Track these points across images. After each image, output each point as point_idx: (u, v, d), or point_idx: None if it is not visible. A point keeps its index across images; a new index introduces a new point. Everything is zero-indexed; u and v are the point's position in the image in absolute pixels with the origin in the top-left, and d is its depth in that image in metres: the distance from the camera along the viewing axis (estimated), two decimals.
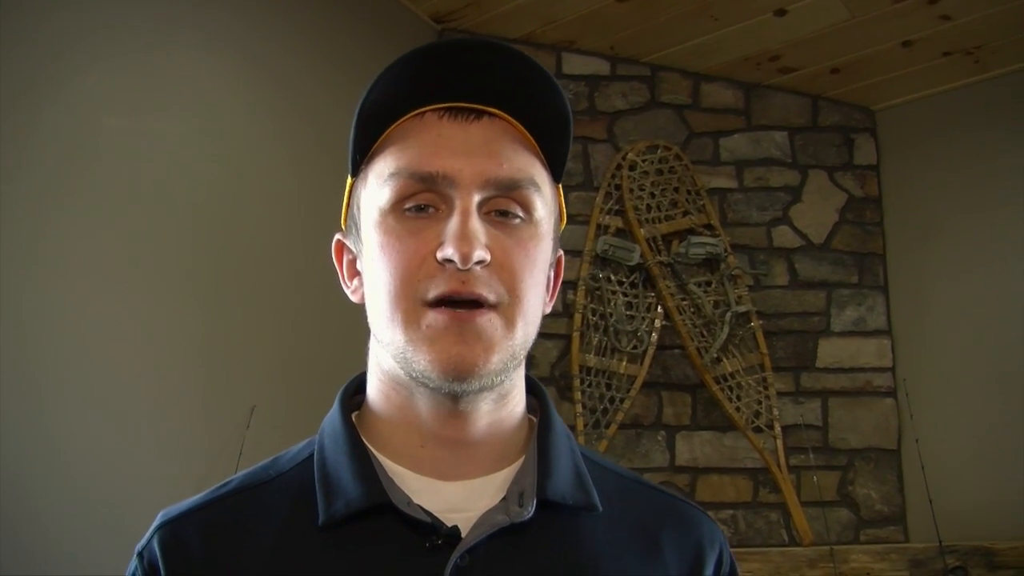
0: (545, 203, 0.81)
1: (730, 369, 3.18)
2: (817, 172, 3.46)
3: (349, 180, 0.86)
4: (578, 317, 3.10)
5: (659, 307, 3.19)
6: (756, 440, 3.12)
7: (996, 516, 3.01)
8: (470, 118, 0.79)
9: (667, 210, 3.28)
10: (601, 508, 0.83)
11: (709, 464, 3.19)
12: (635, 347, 3.14)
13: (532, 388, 0.90)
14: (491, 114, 0.80)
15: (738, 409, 3.14)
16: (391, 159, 0.79)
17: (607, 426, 3.05)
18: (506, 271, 0.77)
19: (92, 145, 2.08)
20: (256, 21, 2.56)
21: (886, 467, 3.25)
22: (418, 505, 0.78)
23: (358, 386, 0.89)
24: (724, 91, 3.48)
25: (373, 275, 0.80)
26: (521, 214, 0.79)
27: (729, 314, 3.17)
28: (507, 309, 0.77)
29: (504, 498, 0.80)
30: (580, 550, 0.80)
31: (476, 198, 0.77)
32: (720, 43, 3.24)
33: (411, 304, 0.76)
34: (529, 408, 0.89)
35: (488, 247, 0.75)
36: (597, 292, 3.16)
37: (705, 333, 3.19)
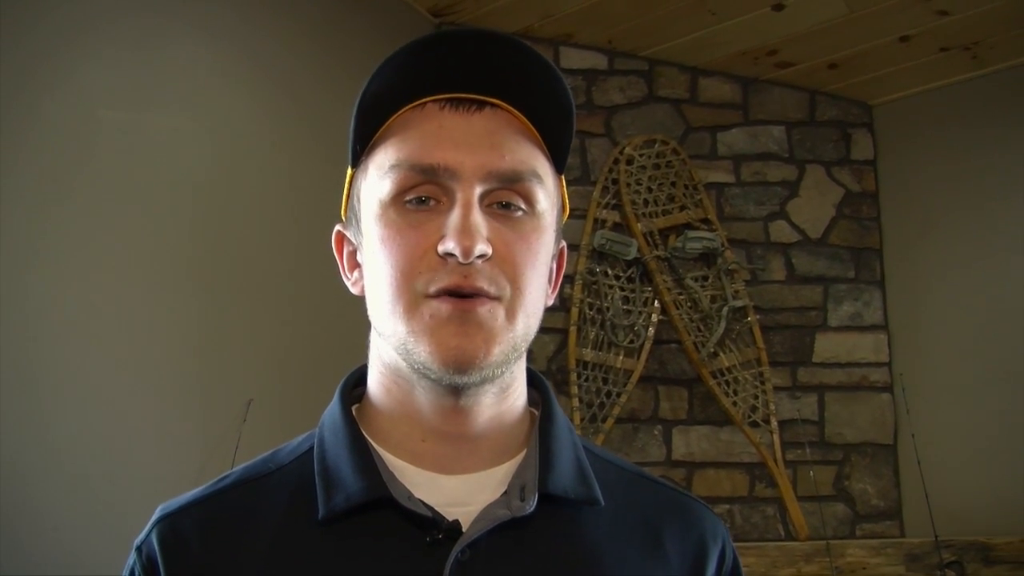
0: (547, 195, 0.80)
1: (727, 364, 3.18)
2: (814, 167, 3.46)
3: (349, 171, 0.85)
4: (575, 311, 3.10)
5: (656, 301, 3.19)
6: (752, 435, 3.13)
7: (992, 511, 3.01)
8: (472, 109, 0.78)
9: (664, 204, 3.28)
10: (603, 502, 0.82)
11: (705, 458, 3.19)
12: (632, 341, 3.14)
13: (534, 381, 0.89)
14: (493, 105, 0.79)
15: (735, 404, 3.14)
16: (392, 150, 0.78)
17: (604, 420, 3.05)
18: (508, 264, 0.76)
19: (90, 139, 2.07)
20: (253, 15, 2.55)
21: (882, 462, 3.26)
22: (419, 499, 0.77)
23: (358, 379, 0.89)
24: (722, 85, 3.48)
25: (374, 268, 0.79)
26: (523, 206, 0.78)
27: (726, 309, 3.17)
28: (509, 301, 0.76)
29: (505, 492, 0.79)
30: (582, 544, 0.80)
31: (478, 190, 0.76)
32: (718, 37, 3.23)
33: (412, 296, 0.75)
34: (531, 401, 0.88)
35: (490, 240, 0.75)
36: (594, 286, 3.16)
37: (702, 328, 3.19)
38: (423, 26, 3.17)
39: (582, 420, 3.01)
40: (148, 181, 2.20)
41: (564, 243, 0.89)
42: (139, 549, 0.80)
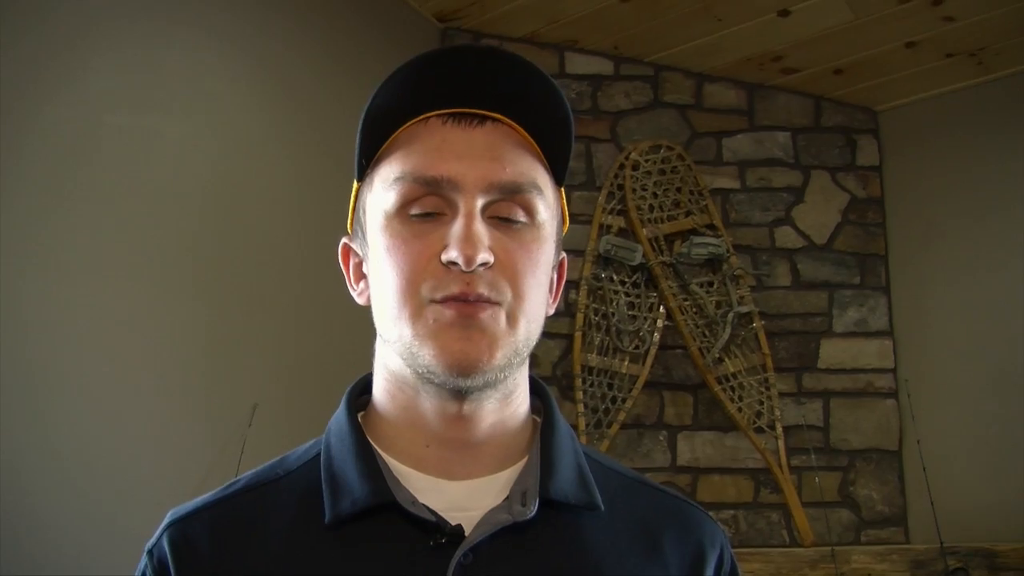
0: (547, 206, 0.82)
1: (732, 369, 3.18)
2: (820, 173, 3.46)
3: (355, 185, 0.87)
4: (580, 317, 3.11)
5: (661, 307, 3.20)
6: (758, 440, 3.12)
7: (998, 517, 3.01)
8: (473, 123, 0.80)
9: (670, 210, 3.29)
10: (603, 508, 0.84)
11: (711, 464, 3.19)
12: (637, 347, 3.14)
13: (536, 388, 0.91)
14: (494, 119, 0.81)
15: (740, 409, 3.14)
16: (396, 164, 0.80)
17: (609, 426, 3.05)
18: (509, 271, 0.78)
19: (95, 143, 2.08)
20: (259, 19, 2.56)
21: (887, 468, 3.25)
22: (423, 504, 0.79)
23: (364, 387, 0.91)
24: (727, 91, 3.48)
25: (379, 276, 0.81)
26: (524, 217, 0.80)
27: (731, 314, 3.17)
28: (510, 307, 0.78)
29: (507, 497, 0.81)
30: (582, 549, 0.81)
31: (480, 202, 0.78)
32: (723, 43, 3.24)
33: (417, 302, 0.77)
34: (533, 408, 0.90)
35: (491, 249, 0.77)
36: (599, 292, 3.16)
37: (707, 333, 3.19)
38: (429, 31, 3.18)
39: (587, 425, 3.01)
40: (153, 186, 2.20)
41: (564, 254, 0.91)
42: (150, 553, 0.82)
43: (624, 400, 3.09)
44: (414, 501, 0.79)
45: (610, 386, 3.09)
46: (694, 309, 3.21)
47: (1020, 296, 3.15)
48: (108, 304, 2.07)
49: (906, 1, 2.90)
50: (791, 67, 3.35)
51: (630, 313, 3.16)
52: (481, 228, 0.77)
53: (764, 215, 3.41)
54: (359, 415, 0.88)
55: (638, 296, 3.19)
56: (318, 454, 0.86)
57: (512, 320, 0.78)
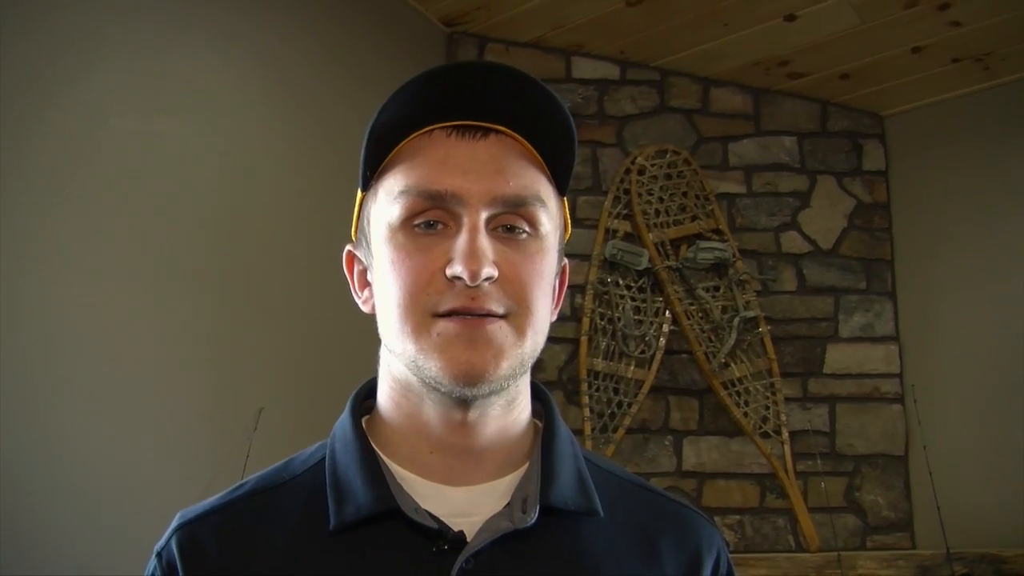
0: (550, 217, 0.83)
1: (738, 374, 3.18)
2: (826, 177, 3.46)
3: (360, 194, 0.88)
4: (586, 321, 3.11)
5: (667, 312, 3.20)
6: (763, 445, 3.12)
7: (1004, 523, 3.00)
8: (477, 136, 0.81)
9: (676, 214, 3.29)
10: (602, 513, 0.85)
11: (716, 469, 3.18)
12: (643, 352, 3.14)
13: (538, 394, 0.92)
14: (497, 131, 0.82)
15: (745, 414, 3.14)
16: (400, 176, 0.81)
17: (614, 430, 3.05)
18: (514, 284, 0.79)
19: (99, 146, 2.08)
20: (265, 22, 2.56)
21: (893, 473, 3.25)
22: (425, 511, 0.80)
23: (368, 392, 0.92)
24: (733, 96, 3.48)
25: (384, 289, 0.82)
26: (527, 229, 0.81)
27: (737, 319, 3.17)
28: (517, 318, 0.79)
29: (508, 504, 0.82)
30: (581, 555, 0.83)
31: (483, 215, 0.79)
32: (730, 48, 3.24)
33: (421, 316, 0.78)
34: (534, 413, 0.91)
35: (495, 263, 0.78)
36: (605, 296, 3.16)
37: (713, 338, 3.19)
38: (436, 36, 3.19)
39: (593, 430, 3.01)
40: (158, 188, 2.21)
41: (566, 261, 0.92)
42: (159, 555, 0.84)
43: (630, 405, 3.09)
44: (417, 508, 0.80)
45: (616, 391, 3.09)
46: (700, 314, 3.21)
47: None
48: (112, 306, 2.07)
49: (913, 6, 2.90)
50: (797, 72, 3.35)
51: (636, 318, 3.16)
52: (485, 242, 0.77)
53: (770, 220, 3.41)
54: (363, 420, 0.89)
55: (644, 301, 3.19)
56: (323, 459, 0.87)
57: (519, 332, 0.79)
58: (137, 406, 2.09)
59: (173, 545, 0.82)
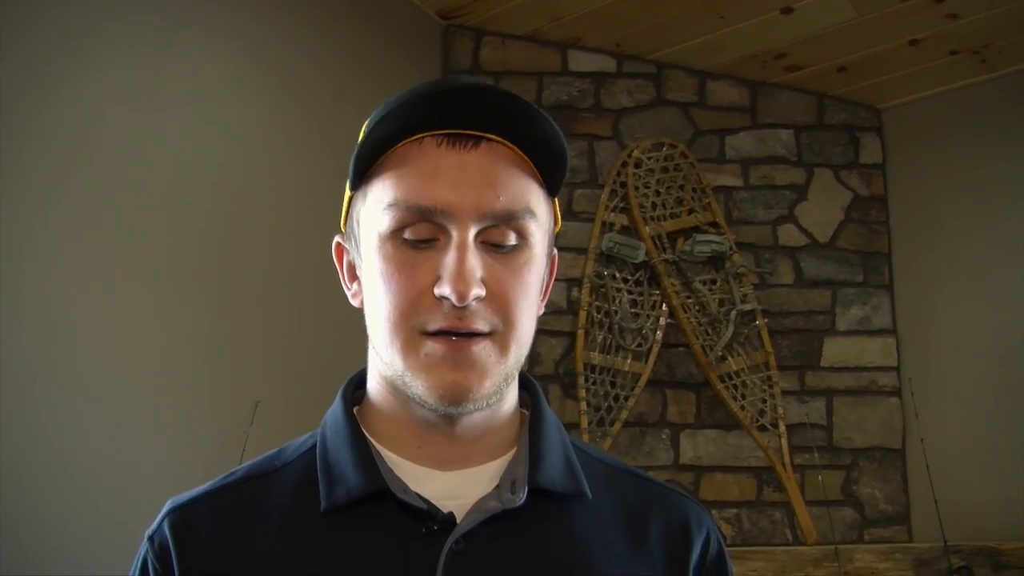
0: (540, 225, 0.84)
1: (735, 367, 3.18)
2: (823, 171, 3.46)
3: (348, 192, 0.88)
4: (583, 314, 3.10)
5: (664, 305, 3.19)
6: (760, 439, 3.12)
7: (1001, 516, 3.00)
8: (468, 145, 0.80)
9: (672, 208, 3.28)
10: (590, 495, 0.87)
11: (713, 462, 3.18)
12: (640, 345, 3.14)
13: (524, 382, 0.93)
14: (488, 139, 0.81)
15: (743, 407, 3.14)
16: (390, 187, 0.80)
17: (611, 424, 3.05)
18: (501, 301, 0.80)
19: (96, 140, 2.08)
20: (261, 16, 2.56)
21: (891, 466, 3.25)
22: (415, 492, 0.81)
23: (359, 382, 0.93)
24: (730, 89, 3.48)
25: (373, 299, 0.82)
26: (516, 240, 0.81)
27: (734, 312, 3.17)
28: (501, 336, 0.80)
29: (497, 486, 0.84)
30: (570, 535, 0.84)
31: (472, 231, 0.79)
32: (726, 41, 3.23)
33: (409, 334, 0.79)
34: (521, 402, 0.92)
35: (483, 280, 0.78)
36: (602, 290, 3.16)
37: (710, 331, 3.19)
38: (432, 29, 3.18)
39: (590, 424, 3.01)
40: (155, 183, 2.20)
41: (556, 251, 0.92)
42: (151, 539, 0.84)
43: (627, 398, 3.09)
44: (406, 489, 0.81)
45: (613, 384, 3.09)
46: (697, 307, 3.20)
47: None
48: (109, 302, 2.07)
49: None
50: (794, 64, 3.35)
51: (633, 311, 3.16)
52: (474, 260, 0.78)
53: (767, 213, 3.40)
54: (355, 408, 0.91)
55: (641, 294, 3.19)
56: (314, 445, 0.89)
57: (503, 349, 0.80)
58: (133, 400, 2.09)
59: (165, 528, 0.83)
